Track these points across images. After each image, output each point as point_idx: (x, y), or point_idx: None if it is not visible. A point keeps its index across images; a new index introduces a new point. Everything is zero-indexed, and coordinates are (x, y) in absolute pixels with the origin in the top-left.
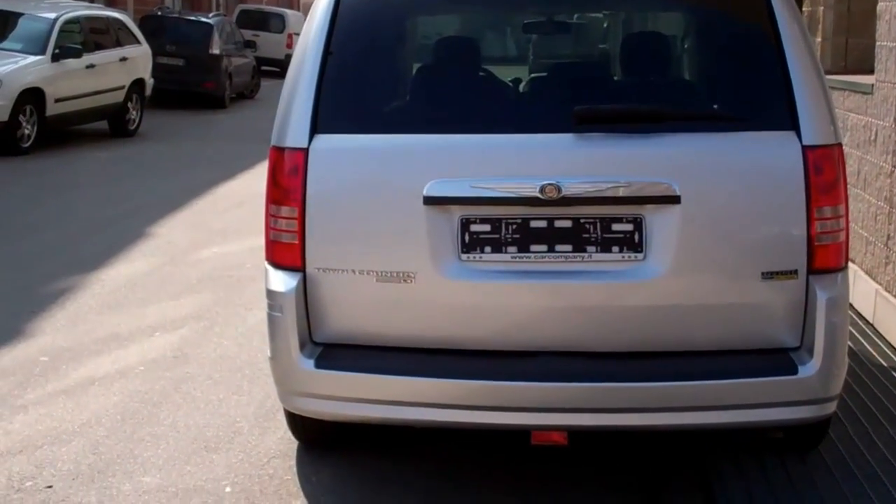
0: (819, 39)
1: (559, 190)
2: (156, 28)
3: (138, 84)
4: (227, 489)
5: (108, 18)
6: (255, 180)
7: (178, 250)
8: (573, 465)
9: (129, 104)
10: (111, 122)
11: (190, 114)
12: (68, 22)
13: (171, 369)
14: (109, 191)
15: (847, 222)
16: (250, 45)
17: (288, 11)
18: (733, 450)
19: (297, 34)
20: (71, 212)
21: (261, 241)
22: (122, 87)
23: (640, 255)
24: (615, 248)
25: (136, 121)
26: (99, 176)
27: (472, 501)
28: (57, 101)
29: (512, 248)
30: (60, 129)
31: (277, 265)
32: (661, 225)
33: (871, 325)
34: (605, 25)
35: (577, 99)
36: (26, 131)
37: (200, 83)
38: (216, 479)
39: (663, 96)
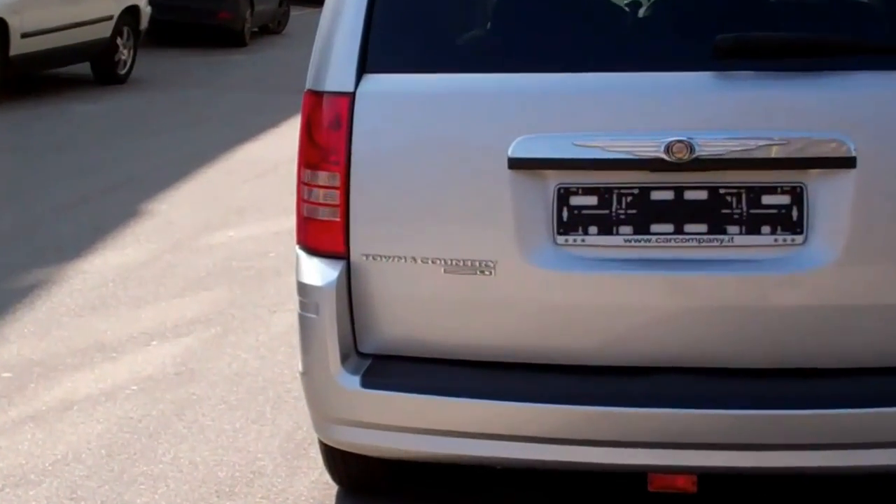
0: None
1: (691, 149)
2: None
3: (131, 14)
4: None
5: None
6: (284, 141)
7: (181, 234)
8: None
9: (119, 41)
10: (95, 65)
11: (198, 54)
12: None
13: (172, 389)
14: (94, 155)
15: None
16: None
17: None
18: None
19: None
20: (43, 183)
21: (290, 222)
22: (110, 19)
23: (799, 238)
24: (766, 229)
25: (128, 63)
26: (80, 136)
27: None
28: (24, 36)
29: (626, 229)
30: (30, 73)
31: (313, 251)
32: (829, 197)
33: None
34: None
35: (717, 26)
36: None
37: (213, 13)
38: None
39: (834, 23)
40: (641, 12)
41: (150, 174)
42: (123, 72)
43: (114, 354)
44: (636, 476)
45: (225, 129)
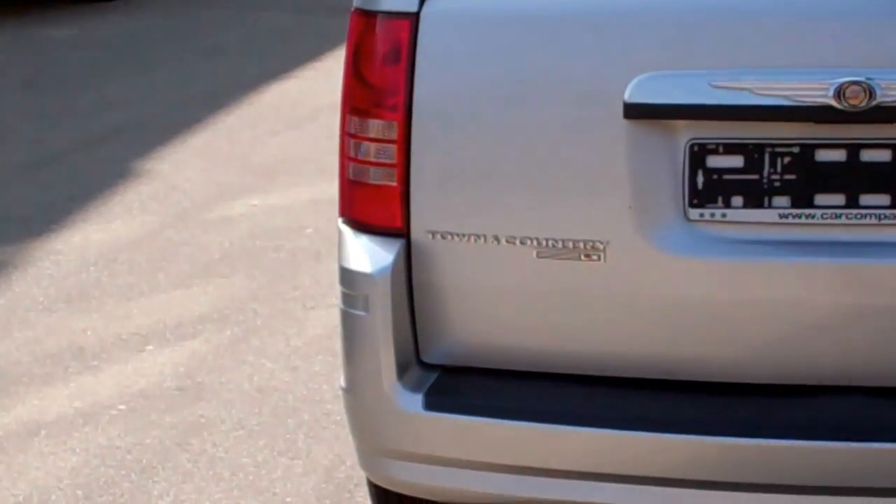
0: None
1: (871, 94)
2: None
3: None
4: None
5: None
6: (326, 80)
7: (188, 202)
8: None
9: None
10: None
11: None
12: None
13: (172, 410)
14: (73, 97)
15: None
16: None
17: None
18: None
19: None
20: (9, 130)
21: (334, 188)
22: None
23: None
24: None
25: None
26: (55, 71)
27: None
28: None
29: (781, 200)
30: None
31: (361, 226)
32: None
33: None
34: None
35: None
36: None
37: None
38: None
39: None
40: None
41: (147, 122)
42: None
43: (95, 363)
44: None
45: (247, 63)
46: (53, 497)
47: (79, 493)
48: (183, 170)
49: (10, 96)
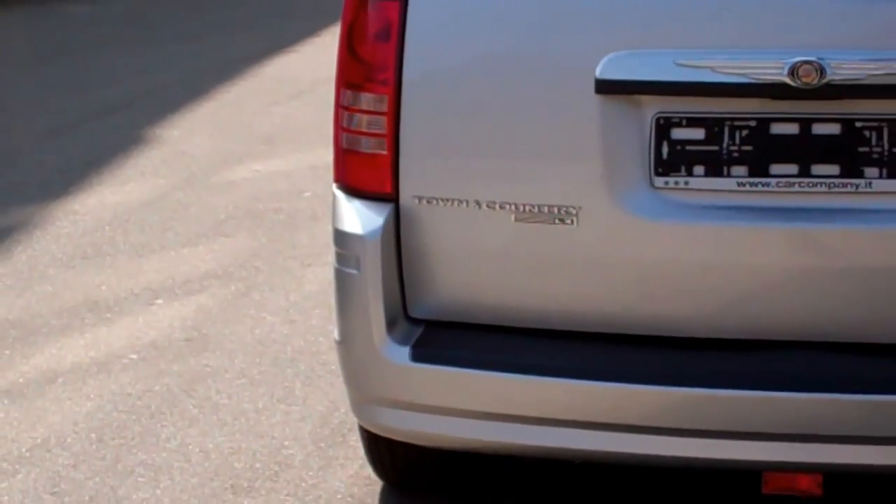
0: None
1: (822, 72)
2: None
3: None
4: None
5: None
6: (324, 54)
7: (196, 167)
8: None
9: None
10: None
11: None
12: None
13: (180, 360)
14: (90, 68)
15: None
16: None
17: None
18: None
19: None
20: (29, 100)
21: (329, 155)
22: None
23: None
24: None
25: None
26: (72, 44)
27: None
28: None
29: (739, 170)
30: None
31: (354, 191)
32: None
33: None
34: None
35: None
36: None
37: None
38: None
39: None
40: None
41: (158, 92)
42: None
43: (109, 315)
44: (748, 475)
45: (252, 38)
46: (69, 439)
47: (92, 435)
48: (191, 137)
49: (31, 68)
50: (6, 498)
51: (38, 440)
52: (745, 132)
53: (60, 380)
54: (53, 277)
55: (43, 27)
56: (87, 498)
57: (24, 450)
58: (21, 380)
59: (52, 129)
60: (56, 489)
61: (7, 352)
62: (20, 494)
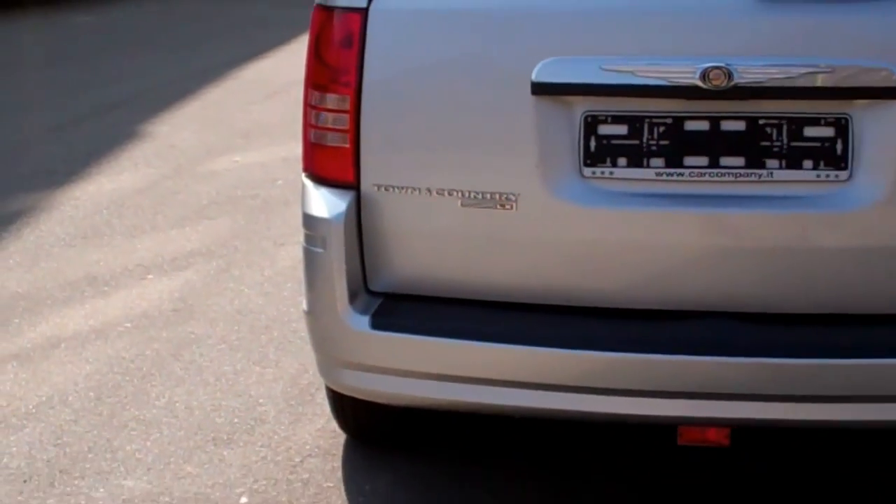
0: None
1: (729, 76)
2: None
3: None
4: (243, 500)
5: None
6: (297, 60)
7: (183, 158)
8: (737, 481)
9: None
10: None
11: None
12: None
13: (168, 327)
14: (89, 71)
15: None
16: None
17: None
18: None
19: None
20: (37, 100)
21: (299, 148)
22: None
23: (843, 174)
24: (807, 163)
25: None
26: (74, 50)
27: None
28: None
29: (657, 161)
30: None
31: (320, 179)
32: (877, 130)
33: None
34: None
35: None
36: None
37: None
38: (227, 486)
39: None
40: None
41: (150, 93)
42: None
43: (106, 288)
44: (664, 429)
45: (232, 45)
46: (70, 398)
47: (91, 394)
48: (179, 132)
49: (39, 70)
50: (15, 449)
51: (43, 398)
52: (662, 128)
53: (63, 345)
54: (57, 255)
55: (49, 35)
56: (86, 448)
57: (30, 406)
58: (28, 345)
59: (57, 124)
60: (59, 441)
61: (16, 320)
62: (27, 446)
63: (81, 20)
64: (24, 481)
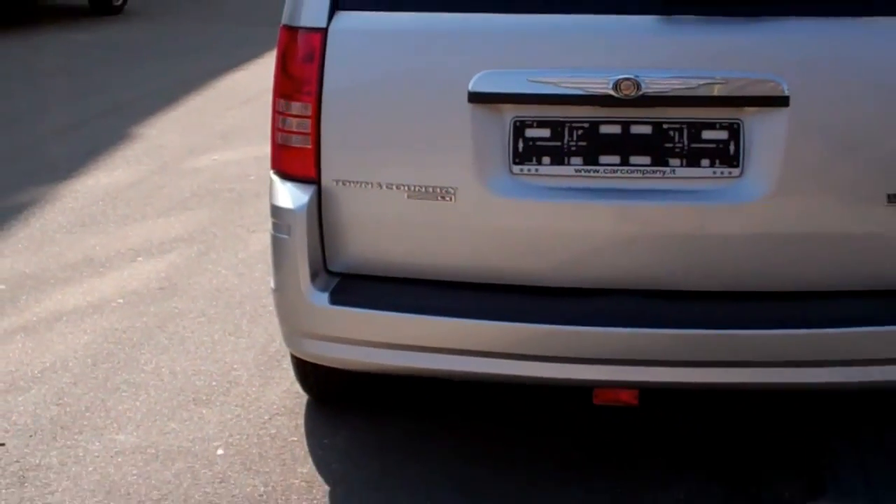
0: None
1: (638, 86)
2: None
3: None
4: (219, 451)
5: None
6: (266, 72)
7: (169, 157)
8: (643, 434)
9: None
10: None
11: None
12: None
13: (155, 303)
14: (88, 82)
15: None
16: None
17: None
18: (848, 420)
19: None
20: (40, 107)
21: (269, 148)
22: None
23: (735, 171)
24: (705, 162)
25: None
26: (76, 63)
27: (514, 475)
28: None
29: (576, 160)
30: (29, 4)
31: (285, 175)
32: (764, 133)
33: None
34: None
35: None
36: None
37: None
38: (206, 440)
39: None
40: None
41: (141, 100)
42: (118, 3)
43: (102, 269)
44: (583, 391)
45: (212, 59)
46: (70, 364)
47: (88, 361)
48: (165, 134)
49: (41, 82)
50: (22, 408)
51: (47, 364)
52: (580, 131)
53: (64, 318)
54: (59, 241)
55: (50, 50)
56: (83, 408)
57: (35, 371)
58: (34, 318)
59: (58, 128)
60: (60, 401)
61: (24, 297)
62: (33, 405)
63: (80, 38)
64: (30, 436)
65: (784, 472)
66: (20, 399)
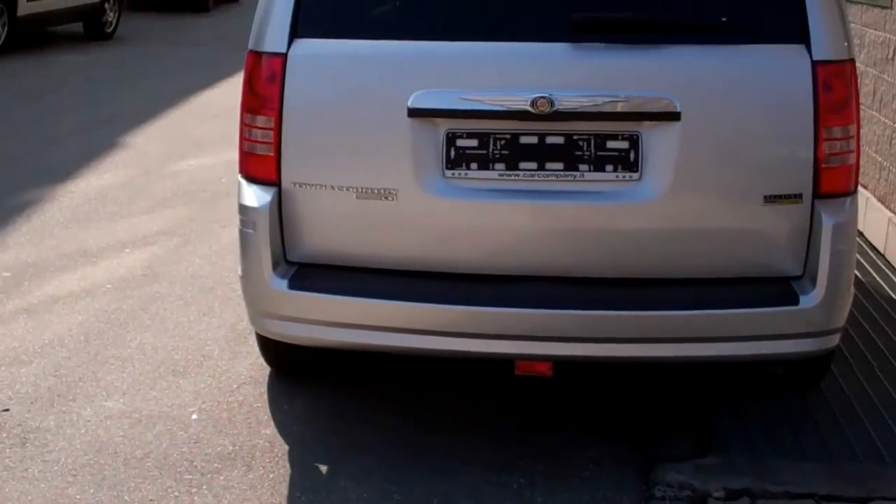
0: None
1: (552, 103)
2: None
3: None
4: (194, 416)
5: None
6: (237, 89)
7: (152, 162)
8: (558, 401)
9: (107, 5)
10: (87, 25)
11: (171, 17)
12: None
13: (139, 288)
14: (82, 97)
15: (858, 144)
16: None
17: None
18: (730, 388)
19: None
20: (41, 118)
21: (237, 155)
22: None
23: (635, 175)
24: (609, 167)
25: (114, 23)
26: (72, 81)
27: (449, 435)
28: (30, 0)
29: (499, 165)
30: (33, 30)
31: (251, 179)
32: (659, 143)
33: (883, 255)
34: None
35: (576, 6)
36: None
37: None
38: (182, 406)
39: (668, 5)
40: None
41: (128, 113)
42: (109, 30)
43: (94, 259)
44: (506, 363)
45: (190, 78)
46: (66, 340)
47: (81, 337)
48: (148, 143)
49: (43, 96)
50: (24, 378)
51: (46, 341)
52: (503, 142)
53: (61, 301)
54: (58, 235)
55: (48, 70)
56: (77, 378)
57: (36, 347)
58: (35, 301)
59: (56, 137)
60: (57, 373)
61: (26, 283)
62: (33, 377)
63: (75, 59)
64: (31, 402)
65: (678, 433)
66: (22, 371)
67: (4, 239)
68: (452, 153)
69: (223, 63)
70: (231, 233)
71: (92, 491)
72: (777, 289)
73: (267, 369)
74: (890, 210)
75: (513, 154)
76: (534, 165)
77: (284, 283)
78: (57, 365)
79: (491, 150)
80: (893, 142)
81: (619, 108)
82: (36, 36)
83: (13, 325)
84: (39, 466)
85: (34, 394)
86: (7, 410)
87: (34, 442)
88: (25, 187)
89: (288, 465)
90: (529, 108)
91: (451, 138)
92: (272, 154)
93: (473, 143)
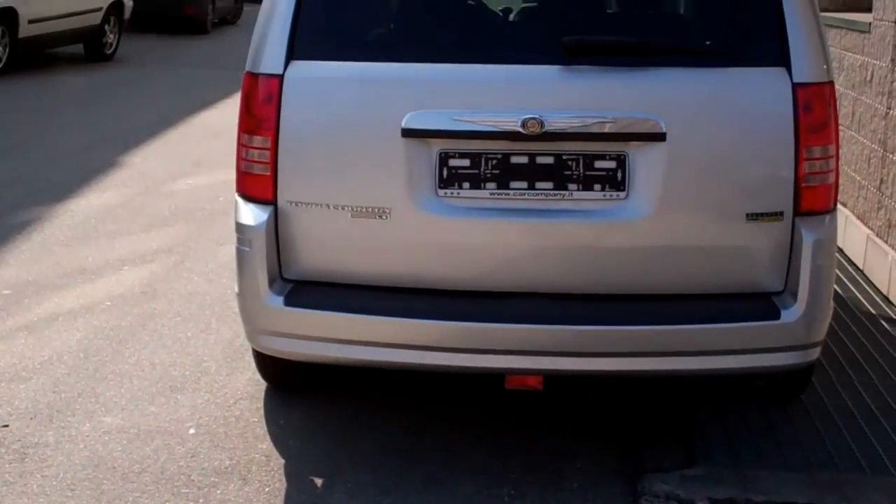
0: None
1: (542, 124)
2: None
3: (116, 6)
4: (191, 431)
5: None
6: (234, 110)
7: (151, 181)
8: (548, 413)
9: (107, 27)
10: (87, 46)
11: (170, 39)
12: None
13: (138, 305)
14: (83, 117)
15: (837, 164)
16: None
17: None
18: (714, 399)
19: None
20: (41, 138)
21: (234, 174)
22: (100, 9)
23: (622, 194)
24: (597, 187)
25: (114, 45)
26: (72, 101)
27: (442, 448)
28: (31, 22)
29: (491, 185)
30: (34, 52)
31: (248, 198)
32: (645, 163)
33: (861, 271)
34: None
35: (565, 30)
36: None
37: (182, 8)
38: (180, 421)
39: (654, 30)
40: (511, 16)
41: (127, 133)
42: (109, 52)
43: (93, 276)
44: (497, 377)
45: (187, 99)
46: (65, 357)
47: (80, 354)
48: (147, 162)
49: (44, 116)
50: (24, 394)
51: (45, 357)
52: (494, 161)
53: (60, 318)
54: (58, 252)
55: (51, 91)
56: (76, 394)
57: (36, 363)
58: (35, 318)
59: (56, 156)
60: (56, 389)
61: (26, 300)
62: (33, 392)
63: (77, 80)
64: (31, 418)
65: (664, 445)
66: (22, 387)
67: (5, 256)
68: (445, 173)
69: (221, 84)
70: (228, 251)
71: None
72: (759, 304)
73: (263, 385)
74: (868, 227)
75: (504, 173)
76: (524, 185)
77: (280, 300)
78: (56, 381)
79: (483, 169)
80: (872, 161)
81: (607, 128)
82: (37, 57)
83: (13, 341)
84: (38, 481)
85: (33, 409)
86: (7, 426)
87: (33, 457)
88: (26, 206)
89: (284, 479)
90: (520, 129)
91: (443, 158)
92: (269, 173)
93: (466, 162)
